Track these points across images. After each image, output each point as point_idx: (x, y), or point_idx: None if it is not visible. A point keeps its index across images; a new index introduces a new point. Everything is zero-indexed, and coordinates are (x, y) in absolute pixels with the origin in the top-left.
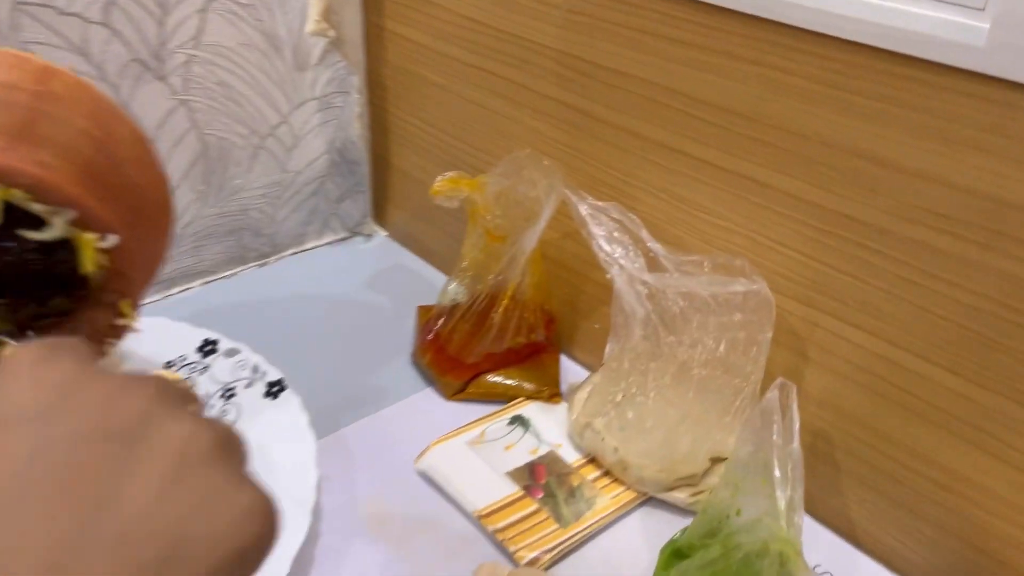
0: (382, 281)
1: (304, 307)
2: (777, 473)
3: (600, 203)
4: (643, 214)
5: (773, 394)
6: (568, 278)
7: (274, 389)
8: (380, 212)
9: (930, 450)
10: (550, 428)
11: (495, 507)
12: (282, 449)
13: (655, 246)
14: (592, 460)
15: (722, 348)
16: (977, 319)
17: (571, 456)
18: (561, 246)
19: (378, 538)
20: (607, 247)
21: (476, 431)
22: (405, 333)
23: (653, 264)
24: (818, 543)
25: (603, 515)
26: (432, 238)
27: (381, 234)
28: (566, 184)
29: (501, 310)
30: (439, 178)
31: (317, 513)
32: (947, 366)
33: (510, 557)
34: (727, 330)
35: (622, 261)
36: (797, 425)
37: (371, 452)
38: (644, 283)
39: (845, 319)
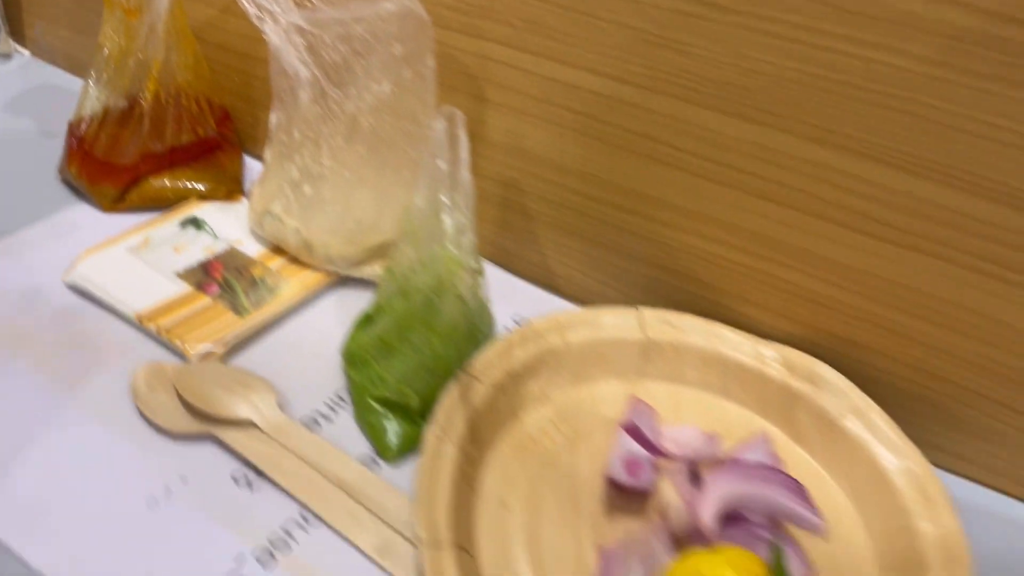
0: (26, 104)
1: None
2: (444, 199)
3: None
4: None
5: (440, 124)
6: (237, 64)
7: None
8: (16, 28)
9: (610, 173)
10: (229, 225)
11: (160, 307)
12: None
13: None
14: (277, 249)
15: (386, 87)
16: (642, 15)
17: (253, 249)
18: (222, 26)
19: (14, 356)
20: None
21: (139, 237)
22: (56, 155)
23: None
24: (517, 296)
25: (289, 300)
26: (83, 48)
27: (22, 53)
28: None
29: (150, 98)
30: None
31: None
32: (616, 75)
33: (179, 354)
34: (390, 69)
35: (272, 7)
36: (466, 153)
37: (9, 270)
38: (299, 30)
39: (515, 45)
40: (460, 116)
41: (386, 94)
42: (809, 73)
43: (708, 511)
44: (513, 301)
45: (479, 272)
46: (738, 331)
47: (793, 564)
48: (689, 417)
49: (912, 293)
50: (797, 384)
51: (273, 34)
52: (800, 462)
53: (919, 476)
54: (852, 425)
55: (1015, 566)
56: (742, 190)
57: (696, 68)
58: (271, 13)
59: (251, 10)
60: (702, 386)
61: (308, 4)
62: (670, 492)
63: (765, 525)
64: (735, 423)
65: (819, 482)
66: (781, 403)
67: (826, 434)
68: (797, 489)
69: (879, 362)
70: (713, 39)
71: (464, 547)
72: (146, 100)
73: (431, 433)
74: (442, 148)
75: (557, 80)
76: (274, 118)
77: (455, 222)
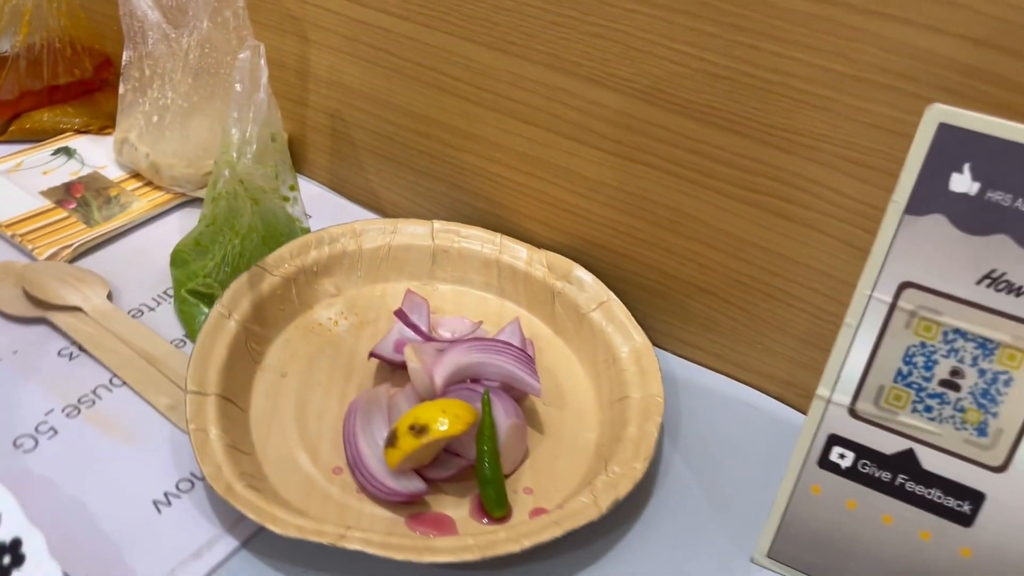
0: None
1: None
2: (235, 115)
3: None
4: None
5: (244, 55)
6: (115, 15)
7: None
8: None
9: (409, 103)
10: (97, 155)
11: (19, 218)
12: None
13: None
14: (136, 175)
15: (206, 24)
16: None
17: (115, 174)
18: None
19: None
20: None
21: (13, 162)
22: None
23: None
24: (345, 217)
25: (136, 215)
26: None
27: None
28: None
29: (23, 39)
30: None
31: None
32: (400, 13)
33: (29, 255)
34: (211, 9)
35: None
36: (264, 78)
37: None
38: None
39: None
40: (260, 47)
41: (208, 31)
42: (542, 8)
43: (440, 375)
44: (339, 220)
45: (281, 182)
46: (514, 240)
47: (501, 412)
48: (468, 311)
49: (637, 199)
50: (557, 283)
51: None
52: (557, 349)
53: (641, 355)
54: (597, 316)
55: (719, 426)
56: (504, 112)
57: (457, 4)
58: None
59: None
60: (482, 287)
61: None
62: (413, 359)
63: (496, 388)
64: (506, 316)
65: (569, 364)
66: (544, 300)
67: (576, 324)
68: (523, 359)
69: (622, 262)
70: None
71: (230, 399)
72: (19, 44)
73: (215, 309)
74: (244, 74)
75: (361, 21)
76: (126, 56)
77: (243, 135)
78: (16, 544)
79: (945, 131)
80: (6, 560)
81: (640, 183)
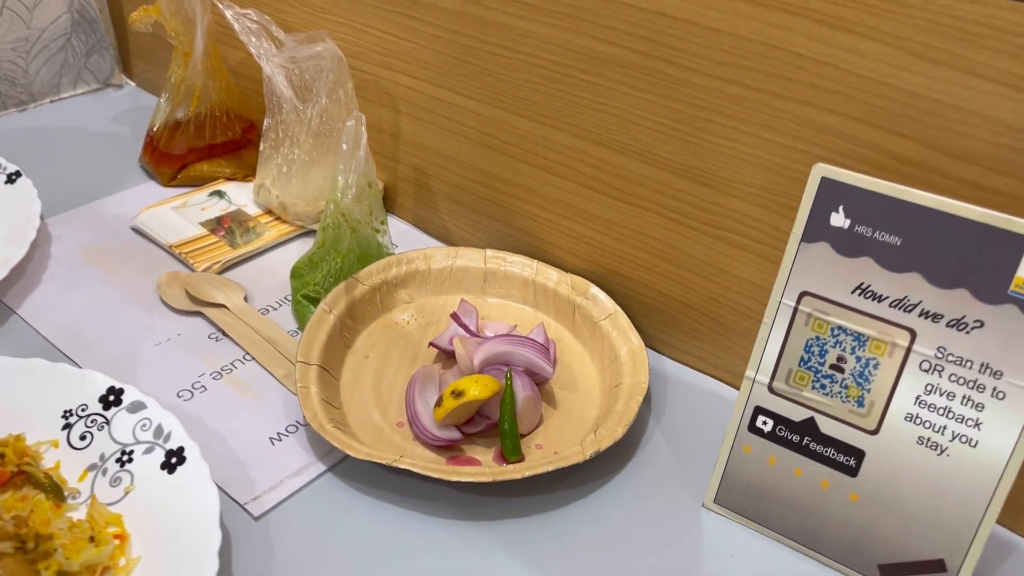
0: (128, 117)
1: (62, 140)
2: (341, 167)
3: (242, 9)
4: (274, 16)
5: (351, 123)
6: (259, 91)
7: (174, 460)
8: (127, 66)
9: (472, 159)
10: (240, 195)
11: (185, 241)
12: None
13: (282, 35)
14: (268, 211)
15: (325, 100)
16: (472, 54)
17: (253, 211)
18: (250, 63)
19: (95, 266)
20: (255, 41)
21: (180, 201)
22: (138, 150)
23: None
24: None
25: (268, 241)
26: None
27: (130, 84)
28: None
29: (193, 109)
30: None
31: (45, 257)
32: (465, 92)
33: (190, 268)
34: (327, 89)
35: (267, 51)
36: (364, 139)
37: (96, 218)
38: (281, 65)
39: (410, 74)
40: (362, 118)
41: (326, 105)
42: (564, 91)
43: (478, 358)
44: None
45: (374, 218)
46: (547, 265)
47: (520, 386)
48: (509, 319)
49: (637, 234)
50: (577, 299)
51: (267, 67)
52: (575, 349)
53: (636, 354)
54: (606, 324)
55: (695, 412)
56: (540, 168)
57: (505, 88)
58: (265, 54)
59: (253, 51)
60: (521, 301)
61: (280, 47)
62: (459, 347)
63: (519, 371)
64: (536, 322)
65: (583, 360)
66: (567, 311)
67: (590, 330)
68: (542, 350)
69: (627, 283)
70: (512, 70)
71: (327, 369)
72: (191, 113)
73: (320, 306)
74: (349, 137)
75: (438, 99)
76: (266, 123)
77: (346, 182)
78: (180, 450)
79: (826, 182)
80: (174, 460)
81: (638, 222)
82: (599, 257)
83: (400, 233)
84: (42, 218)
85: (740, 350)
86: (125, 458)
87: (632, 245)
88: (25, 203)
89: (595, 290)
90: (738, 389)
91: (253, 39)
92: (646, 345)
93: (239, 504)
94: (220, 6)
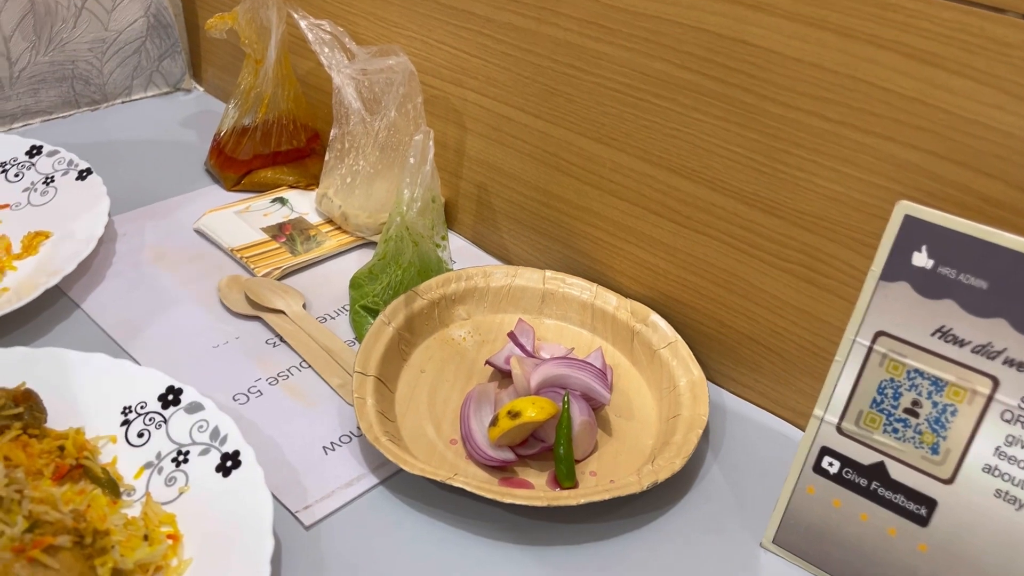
0: (195, 122)
1: (131, 141)
2: (407, 180)
3: (316, 20)
4: (348, 29)
5: (418, 137)
6: (327, 101)
7: (229, 463)
8: (197, 71)
9: (536, 179)
10: (303, 204)
11: (246, 246)
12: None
13: (354, 47)
14: (330, 221)
15: (394, 114)
16: (543, 74)
17: (315, 220)
18: (318, 74)
19: (159, 265)
20: (328, 52)
21: (243, 206)
22: (205, 154)
23: (351, 60)
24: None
25: (327, 250)
26: (233, 85)
27: (199, 89)
28: (291, 6)
29: (261, 116)
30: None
31: (111, 253)
32: (534, 112)
33: (251, 272)
34: (396, 103)
35: (339, 62)
36: (431, 154)
37: (161, 218)
38: (351, 77)
39: (479, 92)
40: (430, 132)
41: (394, 118)
42: (636, 115)
43: (535, 379)
44: (476, 265)
45: (435, 233)
46: (607, 289)
47: (576, 410)
48: (565, 342)
49: (701, 263)
50: (636, 325)
51: (337, 78)
52: (632, 376)
53: (695, 385)
54: (665, 353)
55: (753, 447)
56: (605, 191)
57: (575, 109)
58: (336, 64)
59: (324, 61)
60: (578, 324)
61: (352, 59)
62: (517, 367)
63: (576, 395)
64: (593, 346)
65: (640, 388)
66: (625, 337)
67: (649, 358)
68: (600, 375)
69: (688, 312)
70: (583, 91)
71: (384, 381)
72: (259, 120)
73: (379, 317)
74: (417, 151)
75: (505, 116)
76: (333, 133)
77: (412, 195)
78: (236, 454)
79: (909, 221)
80: (229, 463)
81: (704, 250)
82: (661, 284)
83: (459, 249)
84: (110, 215)
85: (804, 387)
86: (181, 458)
87: (696, 273)
88: (94, 200)
89: (655, 317)
90: (799, 427)
91: (326, 50)
92: (706, 377)
93: (290, 512)
94: (295, 16)
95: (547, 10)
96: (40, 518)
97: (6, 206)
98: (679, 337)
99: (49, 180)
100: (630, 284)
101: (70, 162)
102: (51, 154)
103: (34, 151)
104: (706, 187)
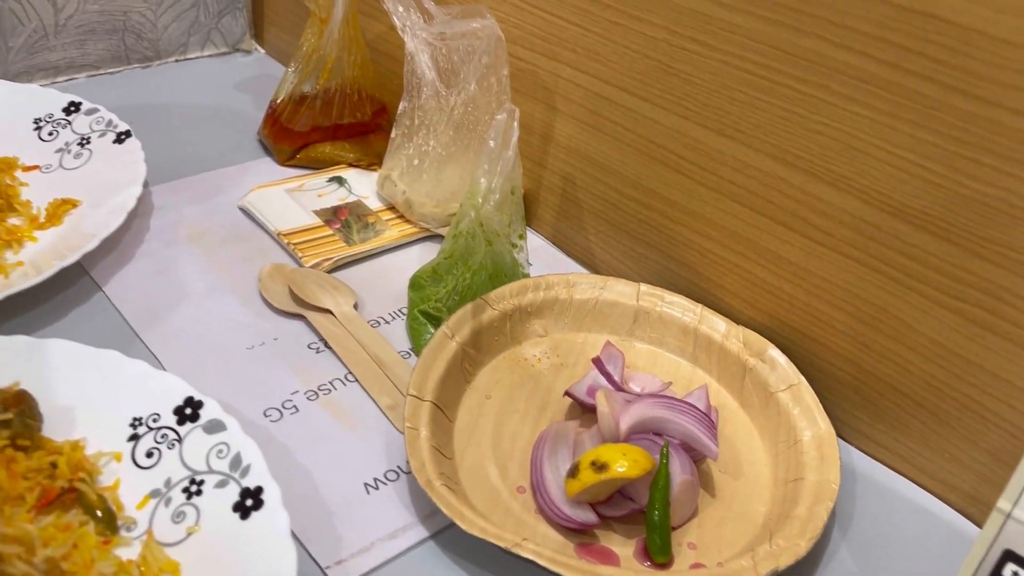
0: (253, 86)
1: (180, 103)
2: (485, 166)
3: None
4: None
5: (501, 116)
6: (398, 71)
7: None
8: (259, 31)
9: (636, 175)
10: (363, 185)
11: (295, 230)
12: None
13: (433, 7)
14: (392, 208)
15: (474, 88)
16: (656, 48)
17: (375, 205)
18: (389, 39)
19: (195, 246)
20: (402, 11)
21: (297, 183)
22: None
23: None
24: (560, 268)
25: (387, 241)
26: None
27: (259, 51)
28: None
29: (323, 83)
30: None
31: (143, 229)
32: (641, 94)
33: (297, 261)
34: (478, 75)
35: (413, 24)
36: (515, 138)
37: (203, 192)
38: (426, 42)
39: (576, 67)
40: (516, 112)
41: (474, 93)
42: (771, 103)
43: (625, 421)
44: (555, 272)
45: (513, 230)
46: (714, 312)
47: (677, 467)
48: (660, 371)
49: (841, 291)
50: (750, 359)
51: (410, 43)
52: (741, 421)
53: (823, 442)
54: (784, 397)
55: (892, 526)
56: (723, 193)
57: (694, 92)
58: (410, 27)
59: (397, 23)
60: (677, 351)
61: (430, 21)
62: (604, 404)
63: (677, 445)
64: (696, 381)
65: (750, 438)
66: (734, 373)
67: (764, 401)
68: (706, 423)
69: (817, 350)
70: (706, 71)
71: (442, 408)
72: (320, 87)
73: (441, 330)
74: (498, 133)
75: (606, 97)
76: (402, 107)
77: (490, 185)
78: (259, 491)
79: None
80: (249, 502)
81: (845, 276)
82: (783, 312)
83: (535, 249)
84: (146, 185)
85: (961, 456)
86: (194, 488)
87: (831, 303)
88: (130, 167)
89: (775, 352)
90: (950, 504)
91: (400, 8)
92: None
93: (319, 567)
94: None
95: None
96: (2, 570)
97: (35, 168)
98: (803, 379)
99: (85, 141)
100: (743, 308)
101: (109, 122)
102: (89, 112)
103: (72, 108)
104: (857, 198)
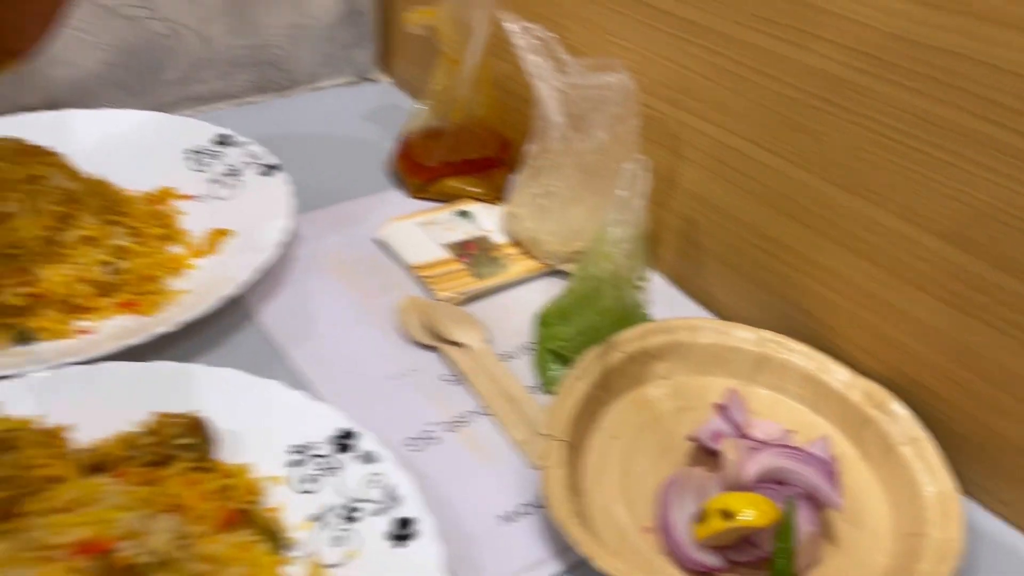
0: (380, 116)
1: (313, 133)
2: (615, 216)
3: (527, 23)
4: (561, 35)
5: (631, 166)
6: (522, 109)
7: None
8: (387, 62)
9: (762, 224)
10: (488, 219)
11: (428, 264)
12: None
13: (566, 57)
14: (516, 243)
15: (604, 136)
16: (786, 104)
17: (499, 240)
18: (515, 79)
19: (337, 276)
20: (537, 60)
21: (427, 217)
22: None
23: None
24: (679, 310)
25: (513, 276)
26: (422, 82)
27: (386, 81)
28: (500, 6)
29: (454, 123)
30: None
31: (288, 258)
32: (768, 147)
33: (430, 294)
34: (608, 123)
35: (547, 73)
36: (644, 188)
37: (343, 223)
38: (558, 90)
39: (704, 117)
40: (646, 162)
41: (603, 141)
42: (904, 166)
43: (751, 470)
44: (674, 311)
45: (637, 274)
46: (835, 361)
47: (803, 519)
48: (780, 418)
49: (970, 352)
50: (871, 411)
51: (542, 90)
52: (860, 471)
53: (947, 499)
54: (907, 451)
55: None
56: (849, 249)
57: (822, 150)
58: (543, 76)
59: (531, 70)
60: (797, 399)
61: (564, 72)
62: (730, 452)
63: (801, 495)
64: (816, 429)
65: (869, 488)
66: (854, 423)
67: (885, 455)
68: (828, 472)
69: (941, 407)
70: (836, 130)
71: (573, 446)
72: (451, 124)
73: (571, 373)
74: (627, 182)
75: (733, 148)
76: (530, 148)
77: (620, 234)
78: (413, 521)
79: None
80: (405, 531)
81: (976, 339)
82: (907, 366)
83: (656, 289)
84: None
85: None
86: (352, 515)
87: (959, 363)
88: (280, 200)
89: (897, 405)
90: None
91: (534, 57)
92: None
93: None
94: (504, 20)
95: (805, 33)
96: None
97: (189, 197)
98: (926, 435)
99: (235, 173)
100: (866, 360)
101: (256, 155)
102: (238, 144)
103: (221, 140)
104: (990, 264)
